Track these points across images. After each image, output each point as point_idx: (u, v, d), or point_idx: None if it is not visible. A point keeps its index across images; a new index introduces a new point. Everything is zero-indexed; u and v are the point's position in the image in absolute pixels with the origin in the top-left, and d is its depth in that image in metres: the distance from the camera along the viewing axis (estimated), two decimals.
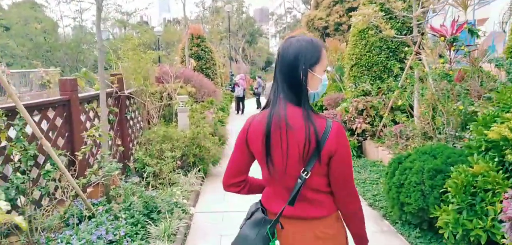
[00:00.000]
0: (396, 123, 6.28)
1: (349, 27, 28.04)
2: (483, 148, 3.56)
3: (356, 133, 7.27)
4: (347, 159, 1.52)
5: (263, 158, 1.55)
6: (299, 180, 1.49)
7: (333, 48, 10.63)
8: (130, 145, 6.48)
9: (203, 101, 8.43)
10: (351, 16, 7.17)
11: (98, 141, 5.49)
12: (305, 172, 1.48)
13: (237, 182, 1.72)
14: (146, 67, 6.28)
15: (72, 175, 4.39)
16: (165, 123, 7.28)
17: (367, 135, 7.35)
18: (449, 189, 3.39)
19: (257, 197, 1.78)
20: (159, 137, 5.69)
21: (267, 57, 45.14)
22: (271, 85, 1.60)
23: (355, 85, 7.68)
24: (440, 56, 5.39)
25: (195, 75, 9.28)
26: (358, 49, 7.68)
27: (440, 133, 4.78)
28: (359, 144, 7.47)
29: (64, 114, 4.61)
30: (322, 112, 9.00)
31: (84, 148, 4.01)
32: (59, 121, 4.55)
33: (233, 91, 18.39)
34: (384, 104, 6.97)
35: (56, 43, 24.65)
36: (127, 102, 6.41)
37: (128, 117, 6.40)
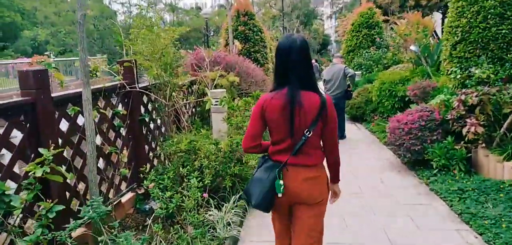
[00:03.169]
0: None
1: (416, 3, 25.02)
2: None
3: (466, 138, 5.04)
4: (336, 122, 2.18)
5: (280, 125, 2.12)
6: (303, 138, 2.10)
7: (415, 22, 8.29)
8: (151, 156, 4.83)
9: (249, 94, 6.58)
10: None
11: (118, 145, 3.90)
12: (308, 132, 2.09)
13: (255, 145, 2.25)
14: (167, 50, 4.54)
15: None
16: (199, 126, 5.55)
17: (479, 142, 5.11)
18: None
19: None
20: (181, 152, 3.93)
21: (322, 39, 42.44)
22: (277, 72, 2.18)
23: (462, 70, 5.43)
24: None
25: (239, 60, 7.41)
26: (466, 20, 5.39)
27: None
28: (469, 154, 5.24)
29: (27, 124, 2.98)
30: (408, 106, 6.80)
31: (24, 195, 2.31)
32: (18, 136, 2.94)
33: None
34: None
35: (105, 30, 23.98)
36: (145, 100, 4.74)
37: (147, 120, 4.74)
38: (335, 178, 2.37)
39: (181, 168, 3.58)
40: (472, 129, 4.92)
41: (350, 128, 9.12)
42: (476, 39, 5.28)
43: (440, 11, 24.91)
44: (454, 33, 5.58)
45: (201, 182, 3.63)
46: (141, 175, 3.97)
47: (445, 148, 5.29)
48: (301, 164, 2.12)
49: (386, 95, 7.94)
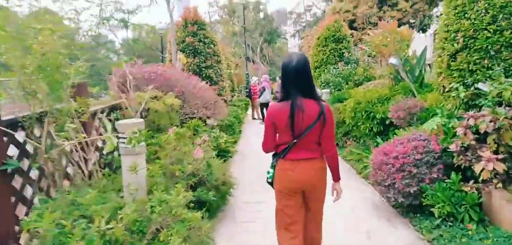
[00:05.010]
0: None
1: (380, 19, 24.64)
2: None
3: (481, 179, 3.73)
4: (333, 125, 2.62)
5: (287, 129, 2.54)
6: (290, 143, 2.59)
7: (392, 31, 7.11)
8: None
9: (193, 119, 5.06)
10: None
11: None
12: (299, 137, 2.56)
13: (273, 147, 2.73)
14: (52, 60, 2.97)
15: None
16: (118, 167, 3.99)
17: (495, 181, 3.83)
18: None
19: None
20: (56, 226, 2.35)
21: None
22: (282, 85, 2.63)
23: (465, 86, 4.17)
24: None
25: (183, 77, 5.88)
26: (469, 22, 4.17)
27: None
28: (479, 198, 3.94)
29: None
30: (389, 130, 5.51)
31: None
32: None
33: (249, 96, 15.34)
34: None
35: None
36: (21, 137, 3.12)
37: (25, 168, 3.11)
38: (335, 177, 2.79)
39: None
40: (490, 165, 3.63)
41: None
42: (484, 45, 4.05)
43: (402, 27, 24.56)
44: (452, 39, 4.34)
45: None
46: None
47: (450, 189, 3.98)
48: (305, 158, 2.62)
49: (362, 117, 6.64)
